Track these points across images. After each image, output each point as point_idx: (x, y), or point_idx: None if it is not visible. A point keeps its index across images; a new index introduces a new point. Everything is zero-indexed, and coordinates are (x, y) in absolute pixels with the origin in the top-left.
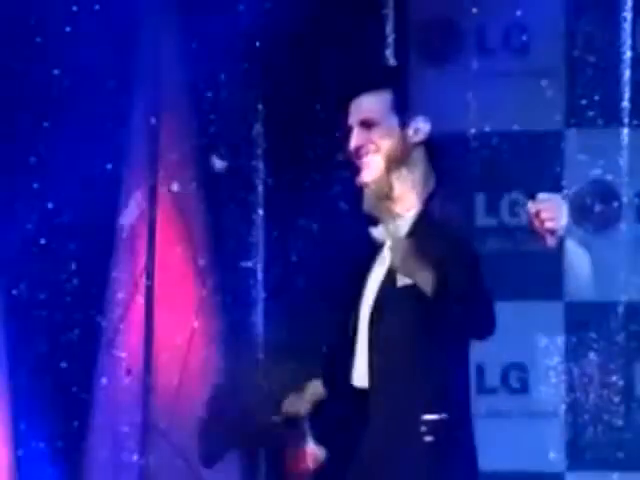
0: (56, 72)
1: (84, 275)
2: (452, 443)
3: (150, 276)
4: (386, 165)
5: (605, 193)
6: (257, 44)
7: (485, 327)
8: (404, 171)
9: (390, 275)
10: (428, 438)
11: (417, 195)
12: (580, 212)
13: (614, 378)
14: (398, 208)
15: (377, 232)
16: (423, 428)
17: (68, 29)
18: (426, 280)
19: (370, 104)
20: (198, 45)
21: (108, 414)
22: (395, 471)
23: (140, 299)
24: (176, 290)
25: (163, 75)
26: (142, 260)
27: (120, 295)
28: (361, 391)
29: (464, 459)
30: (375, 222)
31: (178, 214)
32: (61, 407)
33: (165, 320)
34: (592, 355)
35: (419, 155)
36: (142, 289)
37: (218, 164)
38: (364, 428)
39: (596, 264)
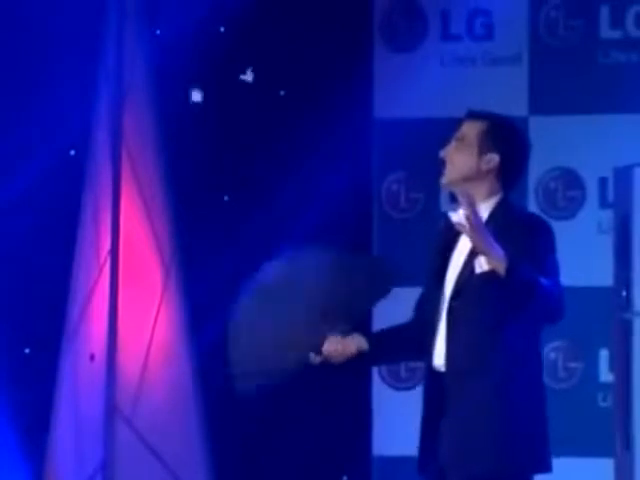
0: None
1: (48, 262)
2: (523, 424)
3: (114, 262)
4: (458, 177)
5: (569, 180)
6: (221, 30)
7: (554, 312)
8: (477, 183)
9: (469, 263)
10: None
11: (494, 189)
12: (544, 199)
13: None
14: (477, 198)
15: (457, 217)
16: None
17: (33, 15)
18: (500, 259)
19: (468, 127)
20: (162, 32)
21: (72, 400)
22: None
23: (104, 285)
24: (140, 276)
25: (126, 61)
26: (106, 247)
27: (84, 281)
28: (440, 371)
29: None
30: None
31: (142, 201)
32: (25, 394)
33: (129, 307)
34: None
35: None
36: (106, 275)
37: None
38: (439, 407)
39: (560, 250)
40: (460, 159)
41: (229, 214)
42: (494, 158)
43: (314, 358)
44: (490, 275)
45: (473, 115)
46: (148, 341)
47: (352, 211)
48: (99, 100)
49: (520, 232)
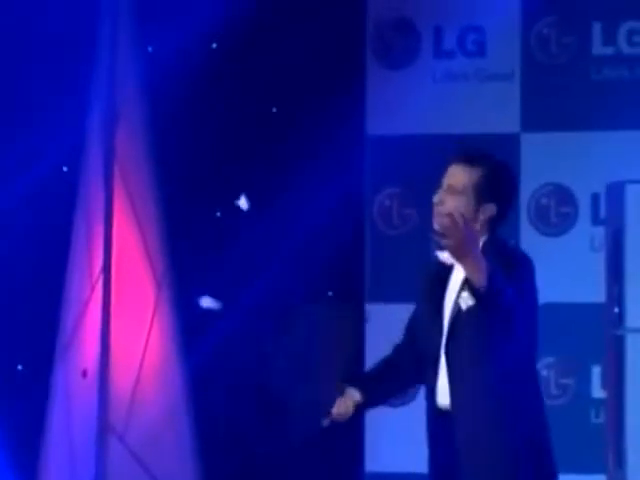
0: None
1: (40, 278)
2: (529, 458)
3: (107, 279)
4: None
5: (561, 196)
6: (214, 46)
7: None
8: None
9: (457, 301)
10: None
11: (483, 231)
12: (536, 215)
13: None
14: None
15: (445, 256)
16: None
17: (26, 34)
18: (478, 273)
19: (460, 175)
20: (154, 48)
21: (64, 416)
22: None
23: (97, 301)
24: (132, 292)
25: (119, 78)
26: (99, 263)
27: (77, 298)
28: (445, 410)
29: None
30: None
31: (134, 217)
32: (18, 410)
33: (122, 323)
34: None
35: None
36: (99, 292)
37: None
38: (448, 446)
39: (552, 266)
40: (457, 209)
41: (221, 230)
42: (491, 208)
43: (325, 422)
44: (476, 310)
45: (466, 161)
46: (140, 357)
47: (344, 227)
48: (92, 117)
49: (503, 267)
